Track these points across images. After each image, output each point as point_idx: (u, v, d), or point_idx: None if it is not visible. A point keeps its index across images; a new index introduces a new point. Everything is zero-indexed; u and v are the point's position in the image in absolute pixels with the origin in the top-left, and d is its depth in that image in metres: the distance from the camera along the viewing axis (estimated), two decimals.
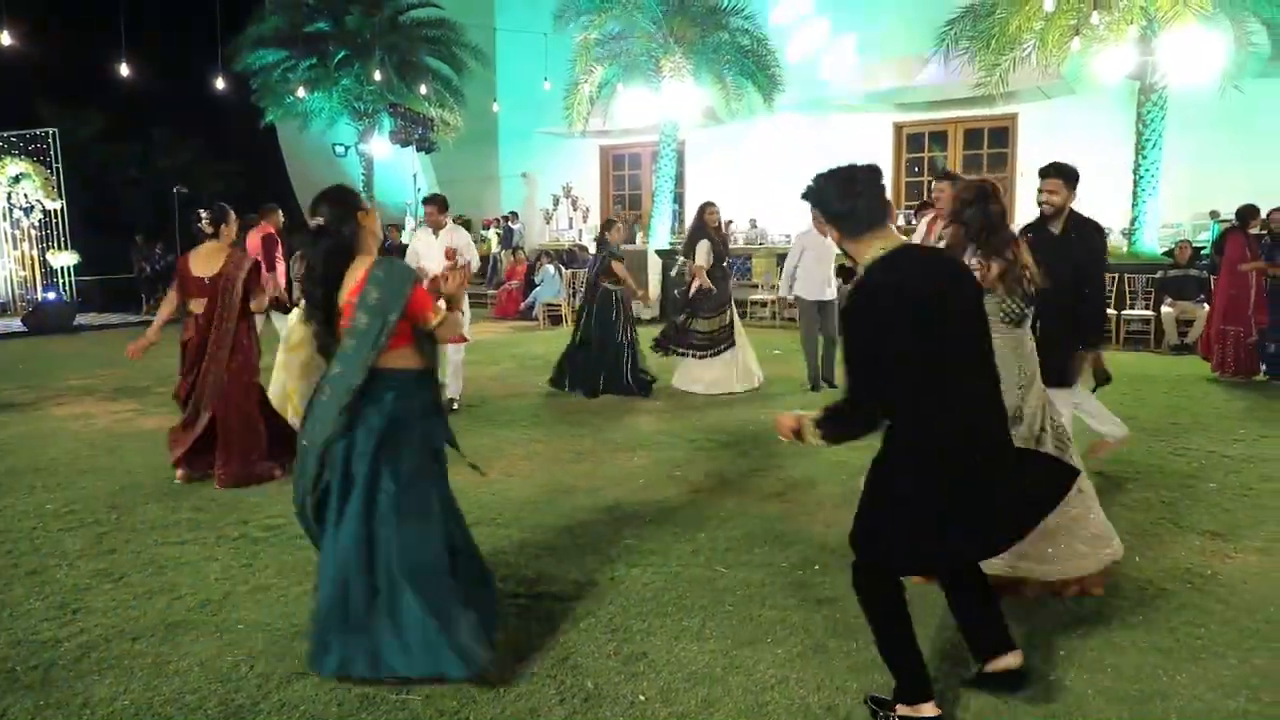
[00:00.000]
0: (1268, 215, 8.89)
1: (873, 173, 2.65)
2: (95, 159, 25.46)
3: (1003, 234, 3.58)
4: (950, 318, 2.56)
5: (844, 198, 2.62)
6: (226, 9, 16.70)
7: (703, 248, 8.16)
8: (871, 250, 2.60)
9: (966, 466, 2.57)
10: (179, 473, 5.44)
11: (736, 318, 8.60)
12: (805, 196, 2.72)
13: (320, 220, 3.05)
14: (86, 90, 23.41)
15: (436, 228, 7.47)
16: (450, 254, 6.83)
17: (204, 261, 5.43)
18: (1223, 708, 2.85)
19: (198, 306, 5.39)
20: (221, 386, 5.36)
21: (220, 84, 15.68)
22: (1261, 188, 13.22)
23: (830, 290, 8.28)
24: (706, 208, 8.31)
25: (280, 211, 8.77)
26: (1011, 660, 2.82)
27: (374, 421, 2.96)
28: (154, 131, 27.66)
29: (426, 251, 7.32)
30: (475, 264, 8.41)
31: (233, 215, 5.61)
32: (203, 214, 5.46)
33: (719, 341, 8.27)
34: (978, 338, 2.66)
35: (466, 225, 19.97)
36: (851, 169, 2.66)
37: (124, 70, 13.56)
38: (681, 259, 8.99)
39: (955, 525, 2.58)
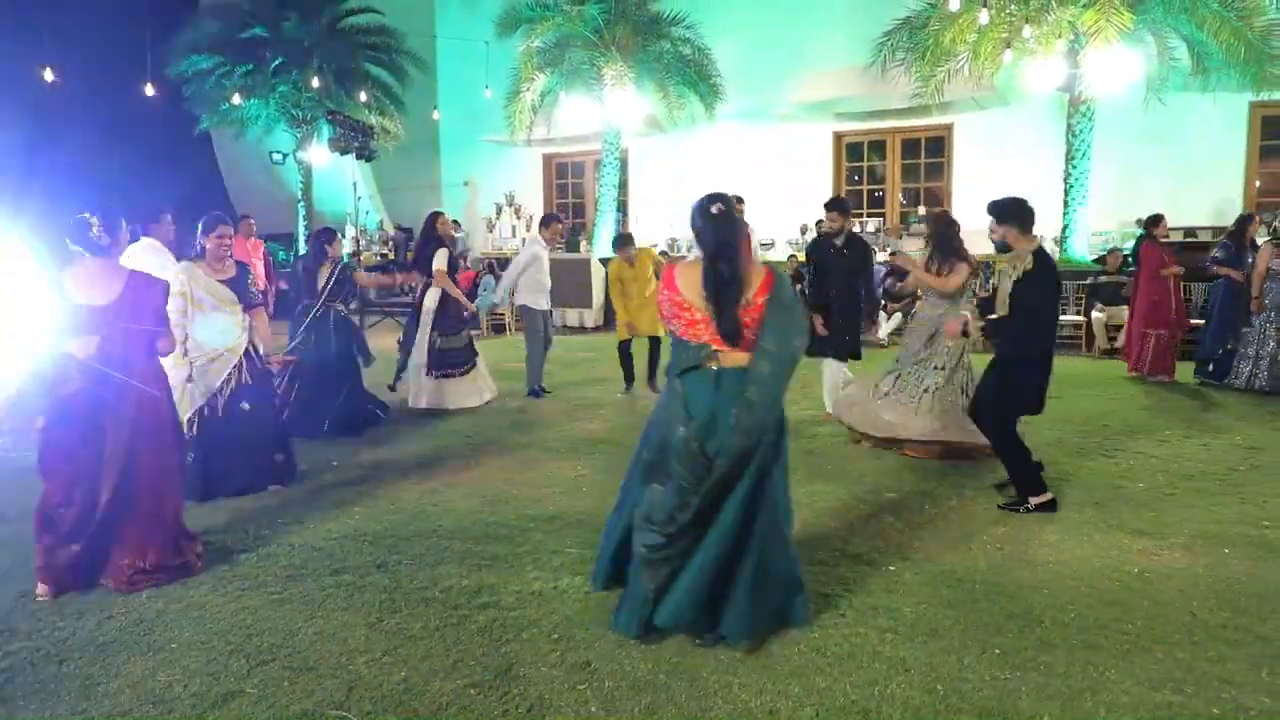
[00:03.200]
0: (1236, 223, 9.27)
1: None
2: (18, 168, 24.62)
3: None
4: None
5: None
6: (157, 14, 16.33)
7: (441, 255, 7.84)
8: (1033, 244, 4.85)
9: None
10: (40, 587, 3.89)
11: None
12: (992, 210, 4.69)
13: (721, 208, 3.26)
14: (8, 97, 22.64)
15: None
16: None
17: (93, 284, 3.98)
18: (1149, 700, 2.94)
19: (83, 347, 3.94)
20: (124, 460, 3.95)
21: (151, 90, 15.33)
22: (1185, 197, 13.73)
23: (547, 300, 8.69)
24: (438, 216, 8.07)
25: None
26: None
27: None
28: (80, 139, 26.84)
29: None
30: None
31: (124, 223, 4.17)
32: (91, 218, 3.99)
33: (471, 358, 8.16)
34: None
35: (408, 234, 19.87)
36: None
37: (48, 75, 13.20)
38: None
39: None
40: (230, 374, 5.35)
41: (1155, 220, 9.55)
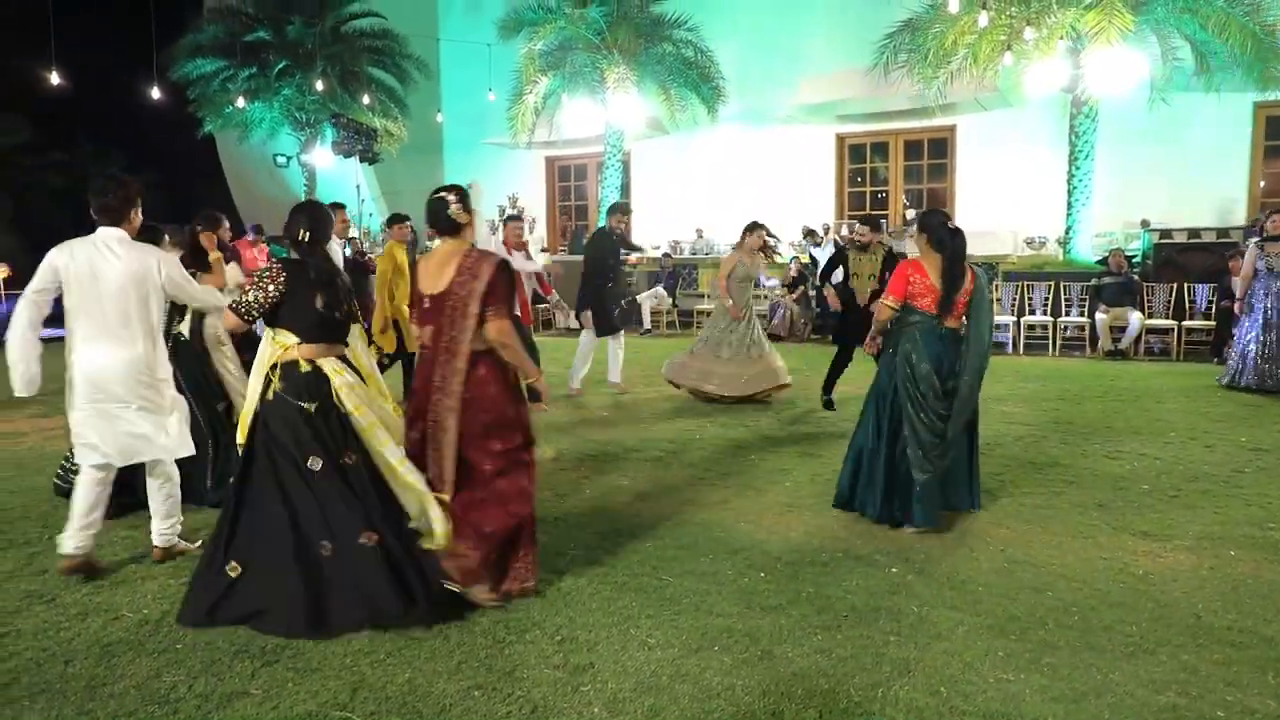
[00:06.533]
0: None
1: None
2: (20, 170, 24.73)
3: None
4: None
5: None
6: (161, 17, 16.37)
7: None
8: None
9: None
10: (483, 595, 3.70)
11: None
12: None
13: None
14: (12, 99, 22.72)
15: None
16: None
17: (436, 270, 3.65)
18: (1154, 703, 2.93)
19: (423, 338, 3.73)
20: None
21: (156, 93, 15.37)
22: (1188, 198, 13.72)
23: None
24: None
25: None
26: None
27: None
28: (83, 141, 26.91)
29: None
30: None
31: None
32: (448, 195, 3.67)
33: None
34: None
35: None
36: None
37: (54, 78, 13.23)
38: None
39: None
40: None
41: None
